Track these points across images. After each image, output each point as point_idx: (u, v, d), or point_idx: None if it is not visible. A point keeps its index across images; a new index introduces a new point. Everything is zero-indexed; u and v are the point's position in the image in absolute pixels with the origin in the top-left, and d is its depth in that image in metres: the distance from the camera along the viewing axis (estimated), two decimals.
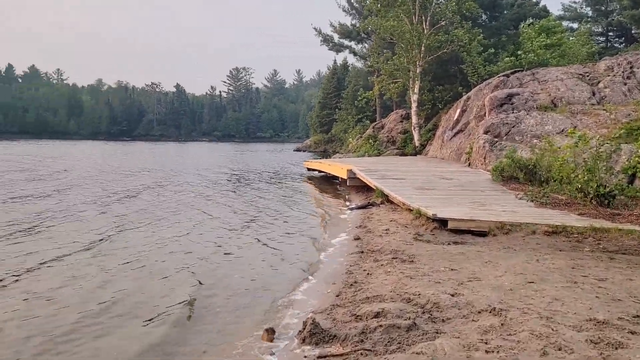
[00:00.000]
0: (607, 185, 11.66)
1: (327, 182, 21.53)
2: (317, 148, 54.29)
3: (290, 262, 8.50)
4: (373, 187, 14.77)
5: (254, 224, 12.14)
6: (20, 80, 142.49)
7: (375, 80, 30.75)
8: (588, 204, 11.22)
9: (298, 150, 58.61)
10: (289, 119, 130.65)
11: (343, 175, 17.57)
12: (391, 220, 10.98)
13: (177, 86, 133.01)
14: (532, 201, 12.15)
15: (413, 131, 28.78)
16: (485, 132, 18.08)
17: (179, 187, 19.87)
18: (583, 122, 18.04)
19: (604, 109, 18.75)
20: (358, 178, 16.43)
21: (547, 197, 12.29)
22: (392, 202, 13.02)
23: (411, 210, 11.27)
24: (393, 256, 7.68)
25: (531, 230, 9.49)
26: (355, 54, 43.40)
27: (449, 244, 8.90)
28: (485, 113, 20.04)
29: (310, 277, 7.36)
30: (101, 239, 9.90)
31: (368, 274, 6.80)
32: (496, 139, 17.52)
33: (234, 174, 26.95)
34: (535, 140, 16.95)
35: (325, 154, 44.25)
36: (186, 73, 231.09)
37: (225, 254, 9.07)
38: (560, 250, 8.35)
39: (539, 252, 8.10)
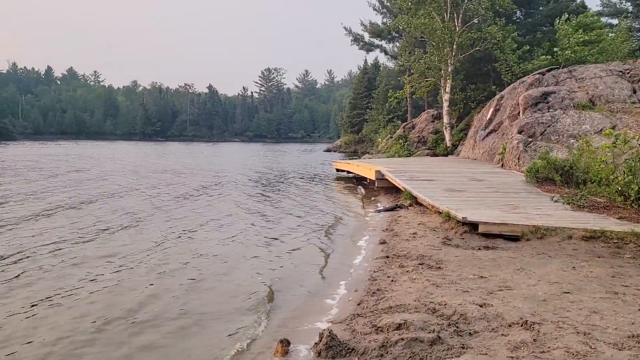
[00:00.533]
0: None
1: (356, 183, 21.22)
2: (347, 148, 53.97)
3: (312, 265, 8.27)
4: (401, 188, 14.41)
5: (280, 225, 11.97)
6: (59, 82, 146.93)
7: (405, 79, 30.21)
8: (628, 207, 10.62)
9: (328, 150, 58.39)
10: (321, 119, 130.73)
11: (371, 176, 17.23)
12: (419, 224, 10.62)
13: (210, 87, 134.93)
14: (569, 204, 11.60)
15: (444, 131, 28.17)
16: (519, 132, 17.47)
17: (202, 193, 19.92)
18: (623, 121, 17.26)
19: None
20: (386, 179, 16.07)
21: (585, 199, 11.72)
22: (420, 205, 12.65)
23: (440, 213, 10.89)
24: (419, 262, 7.36)
25: (567, 235, 9.01)
26: (386, 53, 42.95)
27: (479, 249, 8.51)
28: (519, 112, 19.40)
29: (331, 284, 7.12)
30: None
31: (392, 280, 6.50)
32: (530, 139, 16.90)
33: (266, 175, 26.88)
34: (572, 140, 16.28)
35: (355, 155, 43.88)
36: (219, 74, 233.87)
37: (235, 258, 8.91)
38: (598, 257, 7.87)
39: (576, 258, 7.65)
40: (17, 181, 20.73)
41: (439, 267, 7.04)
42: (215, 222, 12.26)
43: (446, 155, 26.74)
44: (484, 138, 22.21)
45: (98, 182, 21.03)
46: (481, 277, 6.46)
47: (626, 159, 12.16)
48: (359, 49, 43.75)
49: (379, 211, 13.38)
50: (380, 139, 36.33)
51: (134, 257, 8.66)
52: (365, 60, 62.98)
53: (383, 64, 56.92)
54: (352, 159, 34.76)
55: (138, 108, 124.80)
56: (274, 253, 9.17)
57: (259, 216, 13.37)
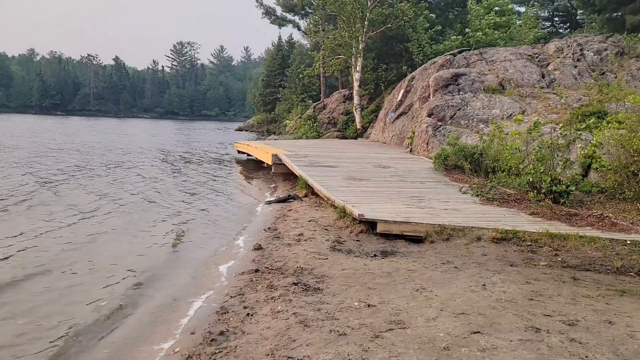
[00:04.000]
0: (562, 180, 10.08)
1: (257, 168, 19.27)
2: (259, 128, 51.68)
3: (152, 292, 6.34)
4: (298, 175, 12.73)
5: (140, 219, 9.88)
6: None
7: (316, 55, 28.48)
8: (541, 201, 9.58)
9: (240, 130, 55.77)
10: (236, 97, 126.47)
11: (268, 160, 15.41)
12: (310, 220, 8.98)
13: (116, 59, 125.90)
14: (477, 196, 10.47)
15: (355, 112, 26.84)
16: (429, 115, 16.35)
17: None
18: (532, 106, 16.64)
19: (554, 93, 17.43)
20: (285, 164, 14.30)
21: (495, 191, 10.64)
22: (317, 195, 11.03)
23: (336, 207, 9.32)
24: (295, 279, 5.67)
25: (476, 237, 7.73)
26: (299, 28, 40.85)
27: (374, 256, 6.99)
28: (429, 94, 18.32)
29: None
30: None
31: (248, 314, 4.76)
32: (440, 123, 15.82)
33: (162, 155, 24.23)
34: (481, 125, 15.37)
35: (267, 135, 41.86)
36: (126, 45, 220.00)
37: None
38: (511, 265, 6.61)
39: (486, 268, 6.32)
40: None
41: (318, 289, 5.38)
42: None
43: (355, 137, 25.45)
44: (394, 121, 21.07)
45: None
46: (369, 305, 4.87)
47: (538, 147, 11.23)
48: (271, 22, 41.33)
49: (269, 202, 11.62)
50: (289, 120, 34.50)
51: None
52: (279, 36, 60.66)
53: (298, 41, 54.79)
54: (260, 139, 32.78)
55: (35, 79, 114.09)
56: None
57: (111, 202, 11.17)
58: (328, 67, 28.03)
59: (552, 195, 9.65)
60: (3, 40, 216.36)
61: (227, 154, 25.87)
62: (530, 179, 10.22)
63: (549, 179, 9.80)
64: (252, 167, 19.57)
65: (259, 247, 7.33)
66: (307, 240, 7.56)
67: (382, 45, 28.12)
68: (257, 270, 6.22)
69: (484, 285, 5.61)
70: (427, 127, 15.77)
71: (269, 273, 6.06)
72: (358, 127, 26.32)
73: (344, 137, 26.02)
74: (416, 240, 7.96)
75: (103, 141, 32.08)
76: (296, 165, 13.16)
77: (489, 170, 12.03)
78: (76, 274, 6.60)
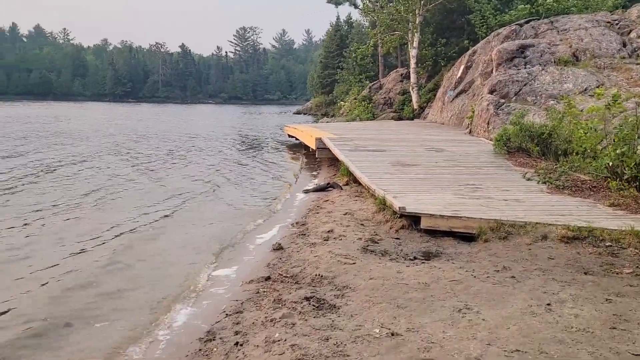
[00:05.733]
0: None
1: (304, 152, 18.25)
2: (318, 111, 50.71)
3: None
4: (341, 161, 11.63)
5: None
6: (25, 40, 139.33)
7: (370, 33, 26.99)
8: (624, 189, 8.01)
9: (298, 113, 55.17)
10: (298, 80, 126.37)
11: (312, 144, 14.38)
12: (345, 214, 7.89)
13: (183, 46, 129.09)
14: (545, 183, 9.00)
15: (412, 92, 25.24)
16: (491, 92, 14.73)
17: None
18: (612, 78, 14.63)
19: (638, 63, 15.27)
20: (329, 149, 13.22)
21: (566, 177, 9.13)
22: (359, 184, 9.90)
23: (376, 197, 8.18)
24: (310, 292, 4.65)
25: (541, 235, 6.39)
26: (355, 6, 39.22)
27: (413, 259, 5.84)
28: (492, 69, 16.60)
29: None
30: None
31: (237, 344, 3.81)
32: (503, 100, 14.18)
33: (217, 140, 23.86)
34: (551, 102, 13.62)
35: (324, 117, 40.88)
36: (192, 33, 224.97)
37: None
38: (585, 274, 5.30)
39: (553, 279, 5.04)
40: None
41: (333, 307, 4.34)
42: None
43: (412, 118, 23.91)
44: (452, 99, 19.45)
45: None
46: (393, 333, 3.78)
47: (618, 126, 9.52)
48: (327, 2, 40.03)
49: (307, 191, 10.62)
50: (343, 102, 33.16)
51: None
52: (337, 16, 58.98)
53: (356, 20, 53.11)
54: (314, 122, 31.83)
55: (108, 68, 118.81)
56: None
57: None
58: (384, 45, 26.47)
59: (637, 183, 8.05)
60: (79, 32, 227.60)
61: (279, 138, 25.13)
62: (610, 163, 8.61)
63: (633, 163, 8.17)
64: (299, 151, 18.64)
65: (278, 247, 6.36)
66: (336, 238, 6.51)
67: (442, 19, 26.18)
68: (268, 278, 5.26)
69: (548, 304, 4.36)
70: (488, 105, 14.18)
71: (281, 282, 5.08)
72: (415, 107, 24.73)
73: (399, 118, 24.53)
74: (468, 237, 6.73)
75: (182, 127, 32.54)
76: (339, 149, 12.06)
77: (560, 152, 10.45)
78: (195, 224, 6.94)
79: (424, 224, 6.94)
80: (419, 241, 6.63)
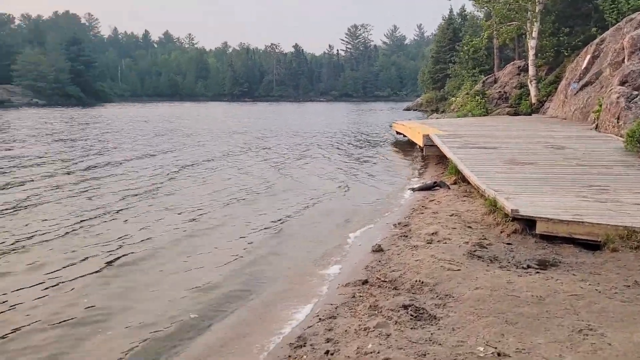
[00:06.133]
0: None
1: (412, 149, 17.78)
2: (428, 107, 49.42)
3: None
4: (449, 158, 11.12)
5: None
6: (155, 46, 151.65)
7: (484, 24, 25.65)
8: None
9: (408, 109, 54.16)
10: (408, 76, 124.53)
11: (419, 141, 13.93)
12: (452, 215, 7.51)
13: (296, 46, 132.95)
14: None
15: (530, 85, 23.58)
16: (622, 83, 13.29)
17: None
18: None
19: None
20: (436, 146, 12.72)
21: None
22: (468, 183, 9.40)
23: (486, 198, 7.69)
24: (408, 299, 4.43)
25: None
26: None
27: (527, 267, 5.37)
28: (623, 58, 15.00)
29: None
30: None
31: (327, 352, 3.69)
32: (636, 92, 12.73)
33: (324, 137, 24.21)
34: None
35: (434, 114, 39.75)
36: (305, 33, 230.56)
37: None
38: None
39: None
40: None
41: (433, 317, 4.09)
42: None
43: (529, 114, 22.32)
44: (576, 92, 17.88)
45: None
46: (500, 354, 3.47)
47: None
48: None
49: (412, 190, 10.29)
50: (454, 97, 31.83)
51: None
52: (450, 8, 56.68)
53: (470, 12, 50.87)
54: (423, 119, 31.03)
55: (227, 69, 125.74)
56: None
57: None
58: (499, 36, 25.00)
59: None
60: (203, 36, 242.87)
61: (388, 135, 24.82)
62: None
63: None
64: (408, 149, 18.21)
65: (378, 249, 6.17)
66: (440, 241, 6.19)
67: (565, 6, 24.14)
68: (365, 282, 5.10)
69: None
70: (618, 97, 12.81)
71: (379, 287, 4.89)
72: (533, 101, 23.07)
73: (515, 114, 23.03)
74: (590, 246, 6.07)
75: (299, 125, 33.83)
76: (447, 146, 11.55)
77: None
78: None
79: (540, 228, 6.38)
80: (534, 248, 6.09)
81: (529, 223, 6.60)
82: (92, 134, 25.45)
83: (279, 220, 8.43)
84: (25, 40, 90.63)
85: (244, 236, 7.53)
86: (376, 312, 4.27)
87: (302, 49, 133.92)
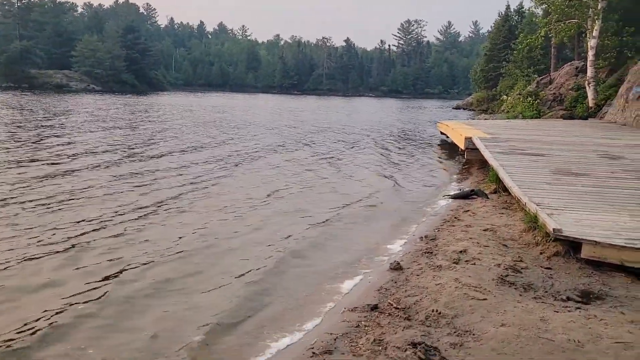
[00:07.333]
0: None
1: (455, 152, 16.85)
2: (478, 106, 47.86)
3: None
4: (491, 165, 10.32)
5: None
6: (210, 37, 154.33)
7: (541, 21, 24.24)
8: None
9: (457, 108, 52.69)
10: (461, 74, 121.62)
11: (461, 143, 13.13)
12: (486, 230, 6.79)
13: (347, 40, 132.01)
14: None
15: (587, 87, 22.10)
16: None
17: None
18: None
19: None
20: (478, 149, 11.90)
21: None
22: (509, 193, 8.62)
23: (527, 212, 6.94)
24: (420, 334, 3.84)
25: None
26: None
27: (566, 299, 4.65)
28: None
29: None
30: None
31: None
32: None
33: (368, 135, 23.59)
34: None
35: (484, 114, 38.31)
36: (358, 27, 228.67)
37: None
38: None
39: None
40: None
41: None
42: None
43: (586, 118, 20.91)
44: (639, 97, 16.54)
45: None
46: None
47: None
48: None
49: (447, 197, 9.56)
50: (505, 97, 30.40)
51: None
52: (507, 4, 54.45)
53: (528, 9, 48.70)
54: (473, 119, 29.82)
55: (278, 62, 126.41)
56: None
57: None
58: (556, 35, 23.56)
59: None
60: (256, 27, 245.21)
61: (433, 134, 23.91)
62: None
63: None
64: (452, 150, 17.32)
65: (397, 267, 5.55)
66: (468, 261, 5.52)
67: (633, 4, 22.48)
68: (375, 307, 4.50)
69: None
70: None
71: (389, 315, 4.30)
72: (590, 104, 21.61)
73: (570, 117, 21.64)
74: None
75: (350, 120, 33.75)
76: (489, 151, 10.73)
77: None
78: None
79: (586, 252, 5.61)
80: (577, 275, 5.34)
81: (573, 245, 5.83)
82: (151, 121, 26.19)
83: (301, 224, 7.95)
84: (85, 27, 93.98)
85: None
86: (380, 348, 3.70)
87: (354, 44, 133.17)
